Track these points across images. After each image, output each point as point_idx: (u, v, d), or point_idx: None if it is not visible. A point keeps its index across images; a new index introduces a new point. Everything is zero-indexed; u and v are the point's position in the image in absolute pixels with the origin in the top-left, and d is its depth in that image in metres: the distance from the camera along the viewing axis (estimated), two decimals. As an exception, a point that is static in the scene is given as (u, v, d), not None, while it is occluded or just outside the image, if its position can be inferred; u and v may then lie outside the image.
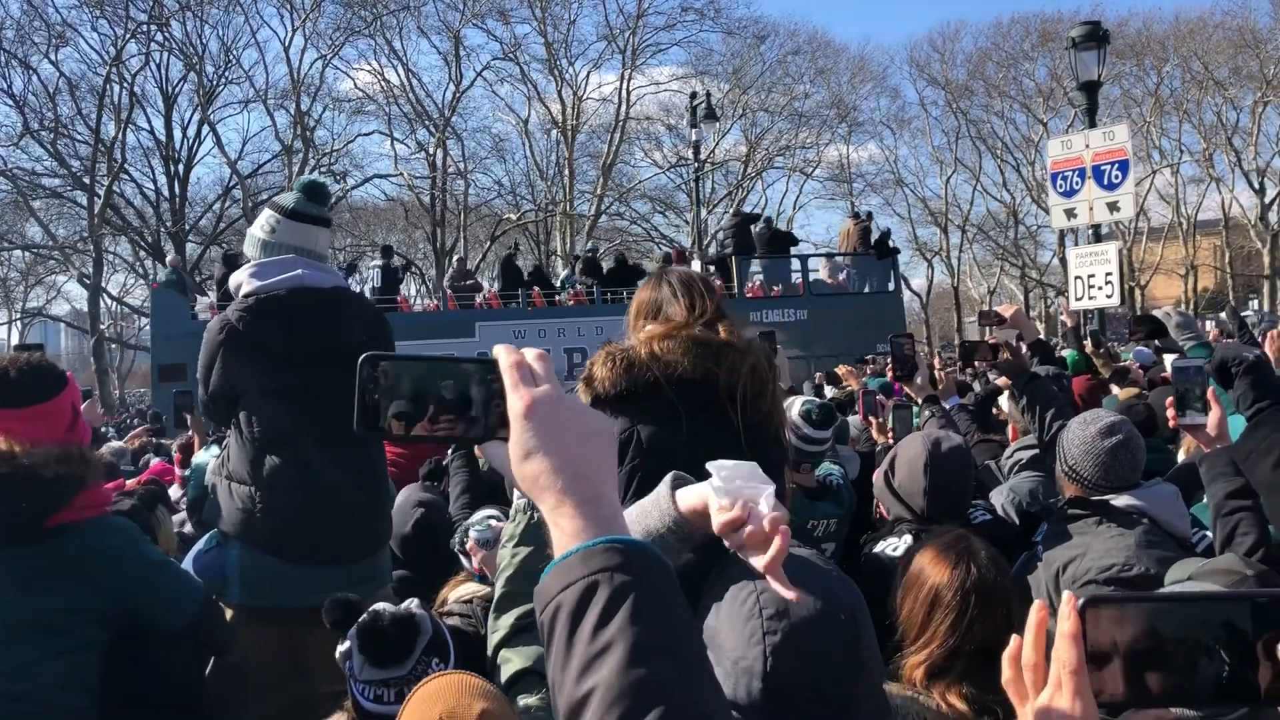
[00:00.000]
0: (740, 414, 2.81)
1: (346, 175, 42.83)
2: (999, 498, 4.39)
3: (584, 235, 41.72)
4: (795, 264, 24.96)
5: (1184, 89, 47.27)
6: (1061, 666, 1.16)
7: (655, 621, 1.08)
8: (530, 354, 1.25)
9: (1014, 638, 1.24)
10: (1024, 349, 5.13)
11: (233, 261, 20.54)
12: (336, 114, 42.98)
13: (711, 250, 25.06)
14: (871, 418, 5.97)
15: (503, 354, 1.24)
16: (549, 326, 21.97)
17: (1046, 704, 1.18)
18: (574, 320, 22.22)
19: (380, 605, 2.60)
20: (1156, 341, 7.49)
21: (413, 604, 2.61)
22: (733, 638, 1.60)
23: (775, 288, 23.98)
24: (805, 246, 34.81)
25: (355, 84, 42.74)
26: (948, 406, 5.67)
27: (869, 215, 27.97)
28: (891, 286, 24.86)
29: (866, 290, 24.04)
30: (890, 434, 5.40)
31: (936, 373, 7.11)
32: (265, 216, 3.75)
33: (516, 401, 1.20)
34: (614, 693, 1.03)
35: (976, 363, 6.92)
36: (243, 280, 3.65)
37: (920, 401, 5.17)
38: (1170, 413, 3.15)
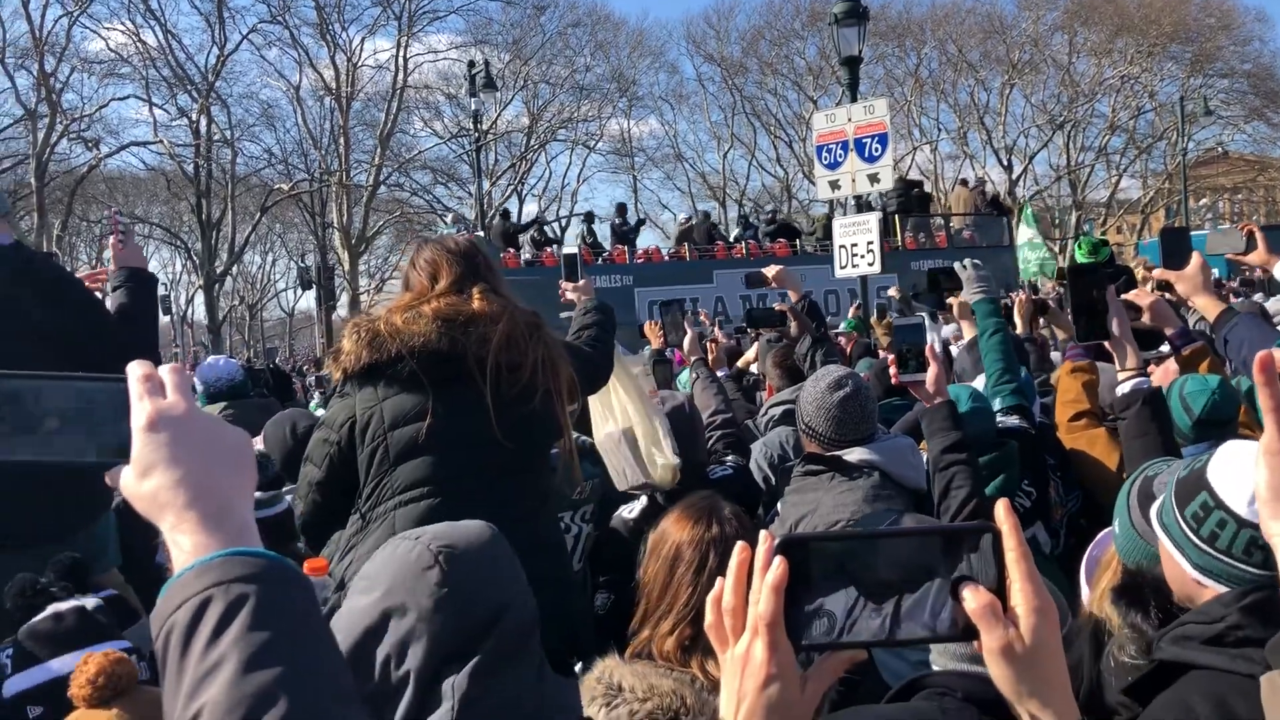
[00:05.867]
0: (493, 387, 2.75)
1: (100, 143, 39.79)
2: (755, 452, 4.49)
3: (362, 206, 40.46)
4: (939, 221, 28.92)
5: (941, 70, 50.16)
6: (756, 611, 1.13)
7: (276, 629, 0.99)
8: (165, 368, 1.16)
9: (718, 580, 1.19)
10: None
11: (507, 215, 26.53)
12: (87, 76, 39.78)
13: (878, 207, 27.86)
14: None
15: (133, 368, 1.14)
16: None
17: (744, 651, 1.14)
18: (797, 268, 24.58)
19: None
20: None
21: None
22: None
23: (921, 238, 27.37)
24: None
25: (108, 45, 39.64)
26: (720, 375, 5.81)
27: (980, 180, 32.95)
28: (1007, 241, 27.35)
29: (986, 245, 26.67)
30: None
31: (711, 345, 7.30)
32: None
33: (140, 415, 1.11)
34: (223, 709, 0.93)
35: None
36: None
37: (690, 363, 5.27)
38: (893, 369, 3.29)
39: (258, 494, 3.61)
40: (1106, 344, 3.20)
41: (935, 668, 1.92)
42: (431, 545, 1.65)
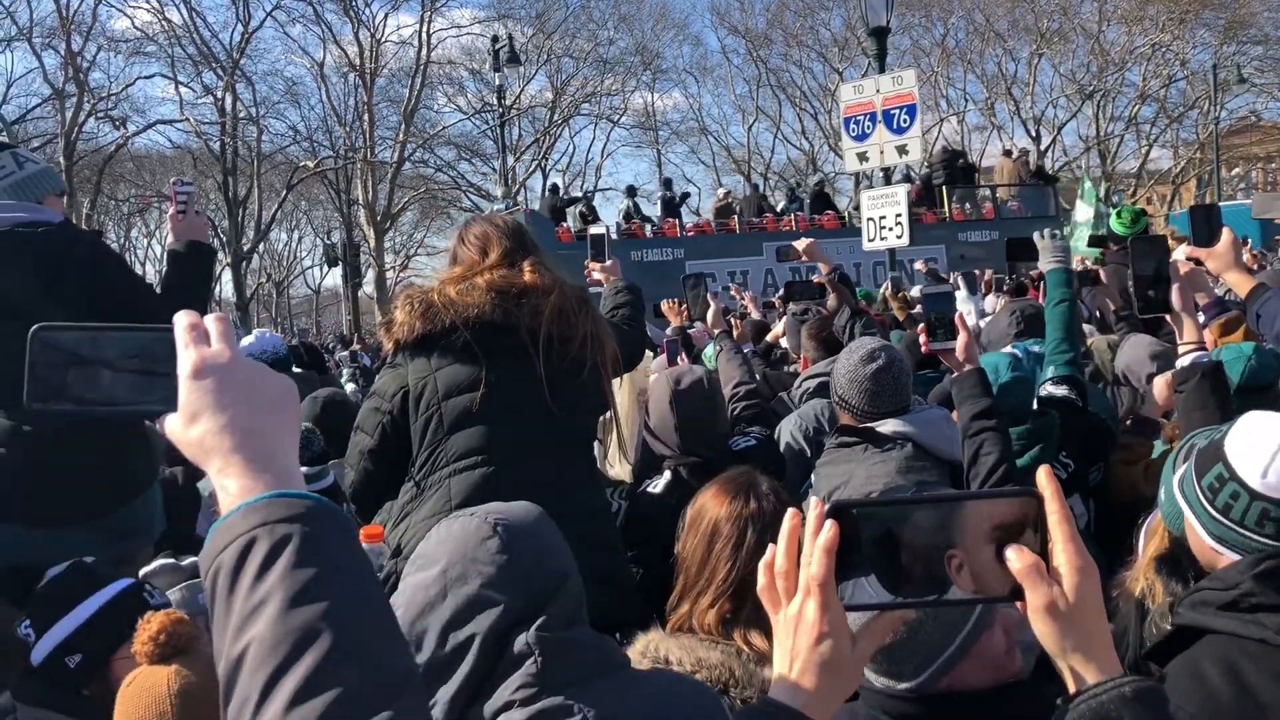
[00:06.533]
0: (545, 359, 2.78)
1: (127, 121, 40.00)
2: (789, 425, 4.51)
3: (386, 183, 40.51)
4: (984, 192, 28.61)
5: (968, 40, 49.60)
6: (808, 572, 1.17)
7: (320, 567, 1.01)
8: (210, 317, 1.18)
9: (770, 546, 1.24)
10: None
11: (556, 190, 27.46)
12: (113, 55, 39.90)
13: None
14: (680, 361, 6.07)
15: (180, 317, 1.17)
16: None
17: (796, 611, 1.18)
18: (834, 240, 23.84)
19: None
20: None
21: None
22: None
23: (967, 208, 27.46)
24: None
25: (133, 23, 39.79)
26: (745, 351, 5.84)
27: (1024, 151, 33.11)
28: (1053, 211, 27.62)
29: (1031, 215, 26.62)
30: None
31: (736, 321, 7.32)
32: None
33: (186, 363, 1.13)
34: (268, 644, 0.96)
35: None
36: None
37: (714, 336, 5.31)
38: (923, 338, 3.31)
39: (304, 469, 3.67)
40: (1167, 317, 3.19)
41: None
42: (488, 518, 1.70)
